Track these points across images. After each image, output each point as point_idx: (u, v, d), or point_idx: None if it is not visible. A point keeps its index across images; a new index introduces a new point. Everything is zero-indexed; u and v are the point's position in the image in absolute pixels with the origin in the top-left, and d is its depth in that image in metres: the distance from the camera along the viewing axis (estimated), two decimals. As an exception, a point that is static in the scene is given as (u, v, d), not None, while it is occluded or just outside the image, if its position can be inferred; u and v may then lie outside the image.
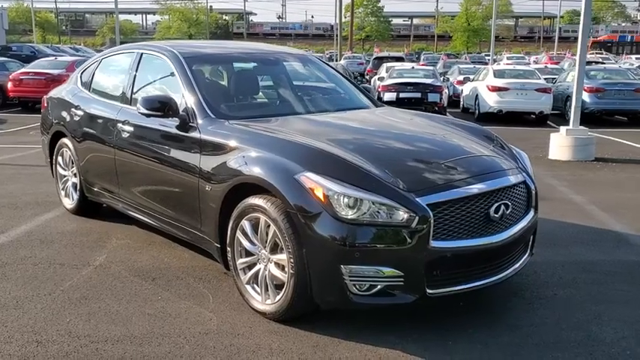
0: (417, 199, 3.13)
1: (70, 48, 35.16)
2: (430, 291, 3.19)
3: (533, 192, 3.78)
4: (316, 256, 3.14)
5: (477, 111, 15.22)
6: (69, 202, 5.64)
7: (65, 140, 5.49)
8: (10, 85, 15.51)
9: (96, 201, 5.30)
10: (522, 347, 3.22)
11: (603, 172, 8.37)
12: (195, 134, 3.90)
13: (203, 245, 4.00)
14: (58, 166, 5.73)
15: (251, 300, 3.56)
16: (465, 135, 4.13)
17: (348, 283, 3.10)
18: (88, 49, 40.54)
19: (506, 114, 14.45)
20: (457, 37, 70.44)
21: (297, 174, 3.22)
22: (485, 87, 14.80)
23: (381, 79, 17.21)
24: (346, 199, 3.08)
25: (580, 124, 9.36)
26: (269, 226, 3.34)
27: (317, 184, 3.14)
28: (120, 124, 4.62)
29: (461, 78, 18.30)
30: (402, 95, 15.00)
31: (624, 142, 11.30)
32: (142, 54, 4.86)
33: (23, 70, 16.23)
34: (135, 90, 4.73)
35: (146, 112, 4.03)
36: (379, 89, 15.57)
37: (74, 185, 5.52)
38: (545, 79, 16.45)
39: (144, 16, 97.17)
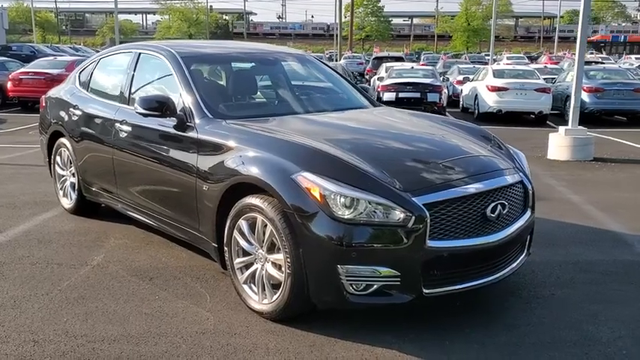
0: (413, 198, 3.14)
1: (70, 48, 35.15)
2: (427, 291, 3.20)
3: (530, 192, 3.78)
4: (313, 256, 3.14)
5: (476, 111, 15.23)
6: (67, 202, 5.65)
7: (63, 140, 5.50)
8: (9, 84, 15.50)
9: (94, 201, 5.30)
10: (519, 347, 3.22)
11: (602, 172, 8.37)
12: (192, 134, 3.90)
13: (201, 245, 4.01)
14: (56, 165, 5.73)
15: (248, 299, 3.56)
16: (463, 135, 4.13)
17: (344, 282, 3.11)
18: (88, 48, 40.55)
19: (506, 114, 14.46)
20: (457, 37, 70.36)
21: (293, 174, 3.22)
22: (484, 87, 14.81)
23: (380, 79, 17.19)
24: (343, 199, 3.08)
25: (579, 124, 9.36)
26: (266, 225, 3.35)
27: (314, 183, 3.14)
28: (118, 124, 4.62)
29: (460, 78, 18.31)
30: (401, 95, 14.98)
31: (623, 142, 11.30)
32: (139, 54, 4.86)
33: (23, 69, 16.21)
34: (133, 90, 4.73)
35: (144, 111, 4.02)
36: (379, 89, 15.55)
37: (72, 185, 5.52)
38: (544, 79, 16.46)
39: (144, 16, 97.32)
